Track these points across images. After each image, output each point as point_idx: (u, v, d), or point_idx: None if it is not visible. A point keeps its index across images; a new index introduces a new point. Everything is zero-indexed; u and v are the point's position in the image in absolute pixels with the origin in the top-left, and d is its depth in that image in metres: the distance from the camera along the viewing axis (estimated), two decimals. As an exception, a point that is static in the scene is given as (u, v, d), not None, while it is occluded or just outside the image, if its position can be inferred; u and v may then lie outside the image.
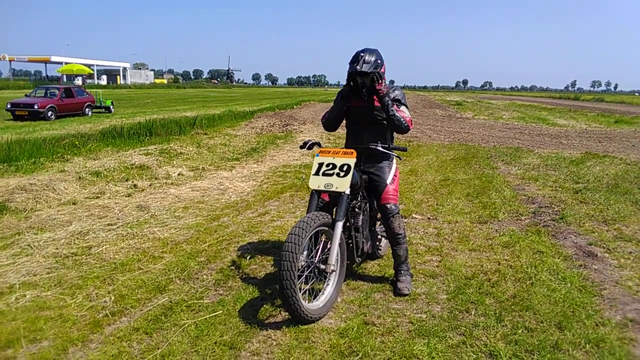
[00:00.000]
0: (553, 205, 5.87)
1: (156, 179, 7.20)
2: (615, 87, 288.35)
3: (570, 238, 4.70)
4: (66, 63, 54.29)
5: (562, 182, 7.29)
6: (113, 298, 3.32)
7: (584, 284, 3.61)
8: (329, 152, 3.32)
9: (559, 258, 4.14)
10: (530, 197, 6.36)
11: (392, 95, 3.50)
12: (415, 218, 5.40)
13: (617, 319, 3.09)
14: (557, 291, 3.45)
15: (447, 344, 2.78)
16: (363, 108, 3.55)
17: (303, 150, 3.69)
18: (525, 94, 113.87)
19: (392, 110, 3.41)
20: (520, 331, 2.90)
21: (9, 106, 17.07)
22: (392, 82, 3.68)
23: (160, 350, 2.69)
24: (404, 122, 3.44)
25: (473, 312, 3.15)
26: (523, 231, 4.90)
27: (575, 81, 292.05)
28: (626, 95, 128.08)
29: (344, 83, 3.58)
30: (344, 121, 3.76)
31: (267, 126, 15.27)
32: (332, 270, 3.10)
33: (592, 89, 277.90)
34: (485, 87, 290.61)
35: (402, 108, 3.51)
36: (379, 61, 3.38)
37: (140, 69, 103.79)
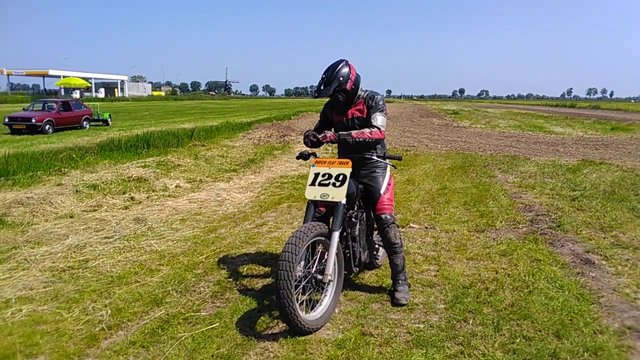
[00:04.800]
0: (550, 213, 5.87)
1: (153, 191, 7.20)
2: (611, 95, 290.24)
3: (568, 246, 4.70)
4: (64, 76, 54.61)
5: (559, 189, 7.31)
6: (110, 312, 3.30)
7: (581, 291, 3.61)
8: (325, 162, 3.34)
9: (556, 266, 4.14)
10: (528, 205, 6.37)
11: (371, 102, 3.48)
12: (413, 227, 5.40)
13: (615, 327, 3.08)
14: (555, 299, 3.44)
15: (445, 354, 2.77)
16: (343, 122, 3.58)
17: (300, 160, 3.71)
18: (521, 102, 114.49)
19: (351, 140, 3.36)
20: (518, 340, 2.89)
21: (6, 120, 17.11)
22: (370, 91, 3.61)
23: (156, 364, 2.68)
24: (369, 139, 3.37)
25: (471, 322, 3.15)
26: (520, 239, 4.90)
27: (571, 89, 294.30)
28: (622, 102, 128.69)
29: None
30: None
31: (264, 137, 15.31)
32: (329, 281, 3.09)
33: (588, 96, 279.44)
34: (482, 96, 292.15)
35: (377, 115, 3.44)
36: (341, 79, 3.33)
37: (138, 81, 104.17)
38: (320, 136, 3.44)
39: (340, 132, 3.42)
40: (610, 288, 3.71)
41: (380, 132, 3.40)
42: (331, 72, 3.36)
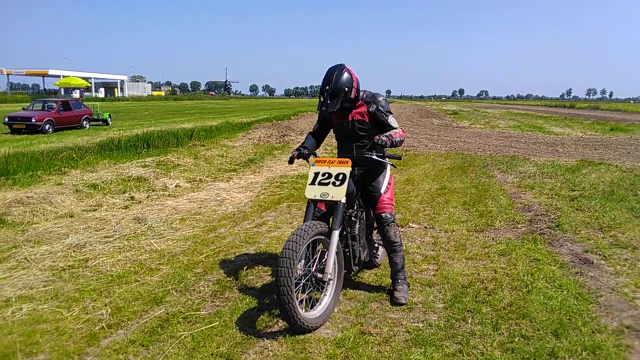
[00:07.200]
0: (549, 213, 5.89)
1: (153, 190, 7.21)
2: (611, 95, 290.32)
3: (567, 245, 4.71)
4: (64, 76, 54.66)
5: (558, 189, 7.32)
6: (109, 310, 3.31)
7: (580, 291, 3.62)
8: (325, 161, 3.34)
9: (555, 266, 4.15)
10: (527, 205, 6.38)
11: (375, 106, 3.45)
12: (412, 227, 5.41)
13: (613, 326, 3.10)
14: (554, 299, 3.45)
15: (443, 353, 2.78)
16: (343, 125, 3.56)
17: (300, 160, 3.71)
18: (521, 103, 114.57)
19: (388, 143, 3.26)
20: (516, 339, 2.90)
21: (6, 120, 17.09)
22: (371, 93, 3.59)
23: (156, 363, 2.68)
24: (399, 140, 3.35)
25: (470, 321, 3.16)
26: (519, 239, 4.91)
27: (570, 89, 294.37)
28: (621, 102, 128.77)
29: None
30: (334, 133, 3.80)
31: (264, 137, 15.32)
32: (329, 279, 3.10)
33: (587, 97, 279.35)
34: (482, 96, 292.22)
35: (390, 118, 3.46)
36: (346, 89, 3.27)
37: (137, 81, 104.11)
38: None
39: (376, 140, 3.23)
40: (609, 287, 3.72)
41: (403, 130, 3.47)
42: (335, 82, 3.25)
